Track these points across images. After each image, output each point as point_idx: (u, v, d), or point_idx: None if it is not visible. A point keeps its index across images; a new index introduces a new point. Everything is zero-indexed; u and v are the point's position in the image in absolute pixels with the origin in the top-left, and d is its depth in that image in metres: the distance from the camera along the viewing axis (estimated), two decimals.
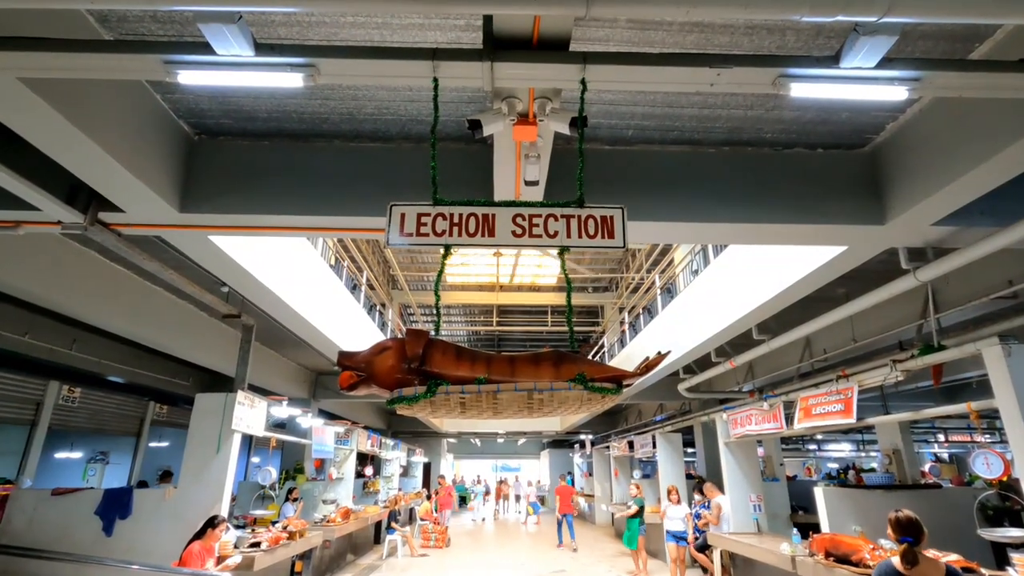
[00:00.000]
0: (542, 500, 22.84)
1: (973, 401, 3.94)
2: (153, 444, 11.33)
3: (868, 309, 7.06)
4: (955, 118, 3.41)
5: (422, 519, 13.79)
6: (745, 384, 10.15)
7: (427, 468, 23.24)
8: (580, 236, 2.15)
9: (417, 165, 4.00)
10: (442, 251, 2.29)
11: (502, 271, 19.72)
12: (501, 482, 22.81)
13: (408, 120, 3.87)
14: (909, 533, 3.10)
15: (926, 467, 11.35)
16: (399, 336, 2.12)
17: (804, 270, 4.89)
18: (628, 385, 2.03)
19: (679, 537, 8.01)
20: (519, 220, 2.14)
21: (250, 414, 6.33)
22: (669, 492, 8.69)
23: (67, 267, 5.59)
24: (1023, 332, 4.65)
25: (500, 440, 29.11)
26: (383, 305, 13.62)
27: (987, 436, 14.23)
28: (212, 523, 5.27)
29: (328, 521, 8.75)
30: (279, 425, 11.07)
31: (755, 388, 9.71)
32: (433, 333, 2.13)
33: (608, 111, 3.74)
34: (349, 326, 8.95)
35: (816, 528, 6.19)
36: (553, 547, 12.99)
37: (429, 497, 13.99)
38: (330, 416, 13.68)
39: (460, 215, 2.14)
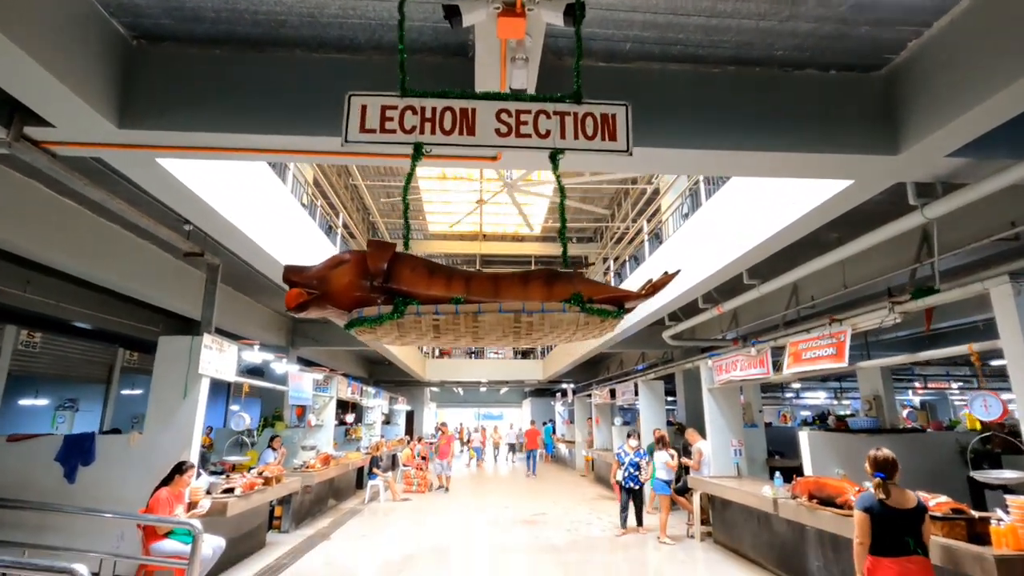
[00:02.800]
0: (521, 446, 23.27)
1: (974, 343, 3.79)
2: (126, 392, 11.01)
3: (860, 254, 6.91)
4: (987, 30, 3.07)
5: (404, 465, 13.87)
6: (729, 332, 10.10)
7: (409, 416, 23.39)
8: (576, 137, 1.81)
9: (392, 82, 3.56)
10: (411, 167, 1.94)
11: (486, 220, 19.32)
12: (476, 431, 23.16)
13: (379, 25, 3.40)
14: (883, 469, 3.42)
15: (904, 413, 11.62)
16: (359, 249, 1.80)
17: (804, 208, 4.61)
18: (631, 309, 1.76)
19: (664, 482, 8.04)
20: (504, 117, 1.80)
21: (219, 358, 6.02)
22: (659, 440, 8.64)
23: (11, 200, 5.08)
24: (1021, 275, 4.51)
25: (483, 389, 29.38)
26: None
27: (959, 384, 14.60)
28: (180, 469, 5.05)
29: (307, 467, 8.64)
30: (255, 372, 10.79)
31: (739, 336, 9.65)
32: (401, 247, 1.80)
33: (604, 18, 3.32)
34: None
35: (793, 472, 6.21)
36: (524, 478, 13.29)
37: (411, 444, 13.99)
38: (309, 364, 13.45)
39: (433, 109, 1.79)
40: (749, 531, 6.65)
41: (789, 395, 19.91)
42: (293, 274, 1.72)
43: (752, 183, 5.62)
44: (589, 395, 16.86)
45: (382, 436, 17.10)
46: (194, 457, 5.47)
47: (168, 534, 4.73)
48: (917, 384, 14.60)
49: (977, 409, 3.70)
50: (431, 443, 15.86)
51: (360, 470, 12.44)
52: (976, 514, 3.68)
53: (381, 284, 1.61)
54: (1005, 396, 4.05)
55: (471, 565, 6.65)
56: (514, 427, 23.55)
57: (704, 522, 7.85)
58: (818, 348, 5.33)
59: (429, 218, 18.66)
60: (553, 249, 21.83)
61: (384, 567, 6.69)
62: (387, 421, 19.66)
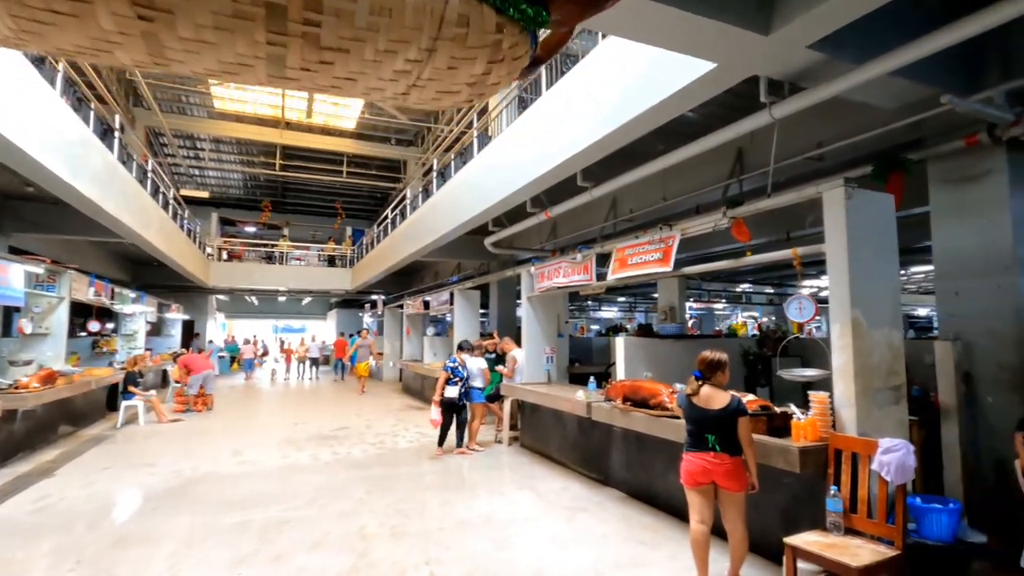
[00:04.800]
0: (326, 359, 21.90)
1: (799, 247, 3.84)
2: None
3: (678, 170, 7.01)
4: None
5: (176, 381, 11.74)
6: (547, 243, 10.05)
7: (188, 326, 20.16)
8: None
9: None
10: None
11: (291, 104, 16.39)
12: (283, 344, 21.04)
13: None
14: (700, 369, 3.49)
15: (691, 323, 13.21)
16: None
17: (663, 94, 4.19)
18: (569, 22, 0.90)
19: (478, 390, 7.71)
20: None
21: None
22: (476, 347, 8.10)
23: None
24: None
25: (282, 299, 26.71)
26: (120, 128, 10.01)
27: (723, 304, 17.16)
28: None
29: (17, 387, 6.46)
30: None
31: (557, 248, 9.63)
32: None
33: None
34: (60, 142, 6.23)
35: (590, 376, 6.32)
36: (326, 394, 12.35)
37: (176, 358, 11.77)
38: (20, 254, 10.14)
39: None
40: (556, 434, 6.74)
41: (587, 309, 21.69)
42: None
43: (597, 71, 5.09)
44: (400, 306, 16.12)
45: (148, 349, 14.31)
46: None
47: None
48: (696, 300, 16.94)
49: (792, 311, 3.80)
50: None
51: (113, 389, 10.12)
52: (778, 409, 3.85)
53: None
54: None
55: (250, 492, 5.62)
56: (316, 339, 21.86)
57: (512, 427, 7.87)
58: (645, 253, 5.21)
59: (216, 91, 15.15)
60: (370, 149, 19.74)
61: (125, 505, 5.30)
62: (156, 331, 16.56)
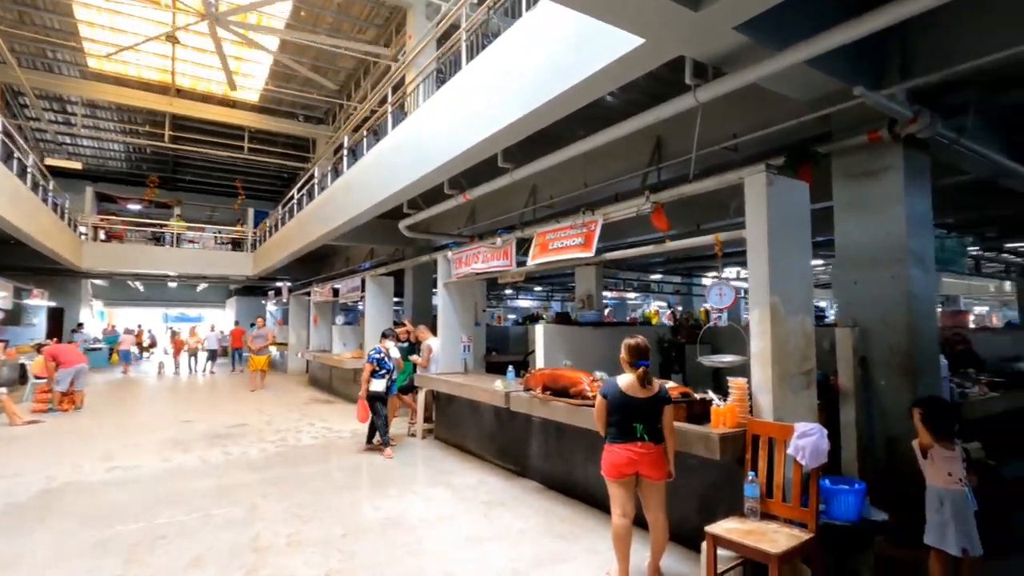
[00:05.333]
0: (225, 351, 20.25)
1: (720, 233, 3.81)
2: None
3: (599, 157, 6.98)
4: None
5: (38, 377, 10.23)
6: (465, 229, 9.73)
7: (55, 314, 17.80)
8: None
9: None
10: None
11: (183, 69, 14.75)
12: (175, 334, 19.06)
13: None
14: (645, 357, 3.32)
15: (607, 312, 13.42)
16: None
17: (584, 73, 4.01)
18: None
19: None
20: None
21: None
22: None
23: None
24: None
25: (173, 285, 24.37)
26: None
27: (634, 294, 17.66)
28: None
29: None
30: None
31: (476, 234, 9.34)
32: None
33: None
34: None
35: (508, 365, 6.15)
36: (225, 388, 11.34)
37: (41, 349, 10.31)
38: None
39: None
40: (473, 425, 6.49)
41: (505, 298, 21.62)
42: None
43: (519, 47, 4.83)
44: (307, 293, 15.14)
45: (3, 340, 12.39)
46: None
47: None
48: (610, 289, 17.33)
49: (713, 298, 3.77)
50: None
51: None
52: (698, 396, 3.81)
53: None
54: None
55: (119, 503, 4.89)
56: (215, 329, 20.10)
57: (427, 419, 7.52)
58: (566, 238, 5.05)
59: (89, 48, 13.29)
60: (276, 124, 18.30)
61: None
62: (13, 320, 14.42)
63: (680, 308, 17.48)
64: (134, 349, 18.82)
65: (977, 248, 9.47)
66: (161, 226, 19.41)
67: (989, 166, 6.00)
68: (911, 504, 3.53)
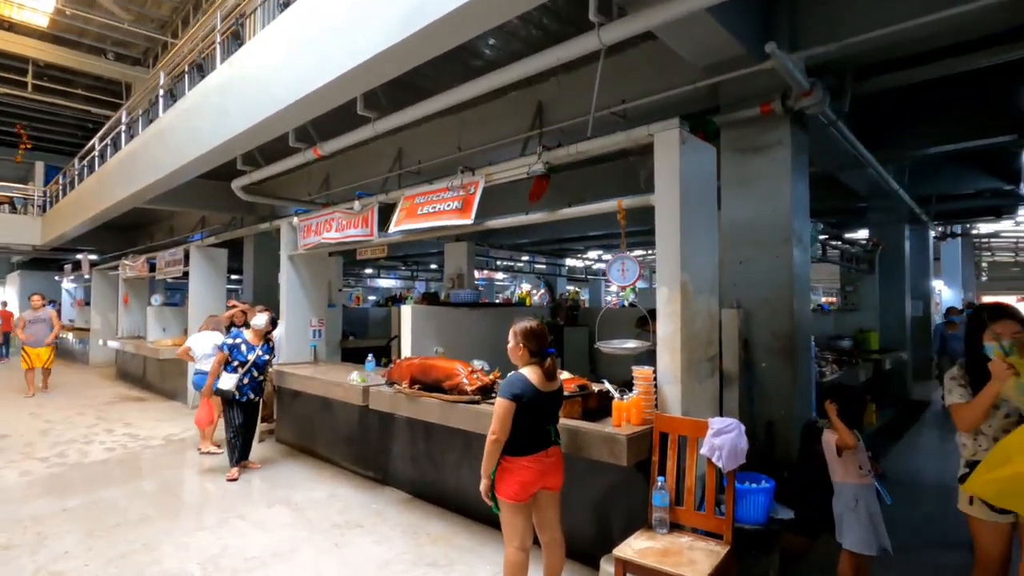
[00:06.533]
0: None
1: (624, 199, 3.28)
2: None
3: (477, 121, 6.28)
4: None
5: None
6: (320, 196, 8.43)
7: None
8: None
9: None
10: None
11: None
12: None
13: None
14: (542, 344, 2.66)
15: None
16: None
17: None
18: None
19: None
20: None
21: None
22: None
23: None
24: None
25: None
26: None
27: (504, 275, 17.27)
28: None
29: None
30: None
31: (331, 201, 8.10)
32: None
33: None
34: None
35: (367, 354, 5.25)
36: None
37: None
38: None
39: None
40: (324, 426, 5.46)
41: (364, 277, 20.09)
42: None
43: None
44: (115, 267, 12.47)
45: None
46: None
47: None
48: (480, 269, 16.74)
49: (615, 273, 3.26)
50: None
51: None
52: (595, 387, 3.29)
53: None
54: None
55: None
56: None
57: (266, 419, 6.27)
58: (441, 202, 4.24)
59: None
60: (75, 59, 14.73)
61: None
62: None
63: (557, 288, 17.43)
64: None
65: (825, 235, 10.44)
66: None
67: (837, 160, 6.33)
68: (793, 490, 3.38)
